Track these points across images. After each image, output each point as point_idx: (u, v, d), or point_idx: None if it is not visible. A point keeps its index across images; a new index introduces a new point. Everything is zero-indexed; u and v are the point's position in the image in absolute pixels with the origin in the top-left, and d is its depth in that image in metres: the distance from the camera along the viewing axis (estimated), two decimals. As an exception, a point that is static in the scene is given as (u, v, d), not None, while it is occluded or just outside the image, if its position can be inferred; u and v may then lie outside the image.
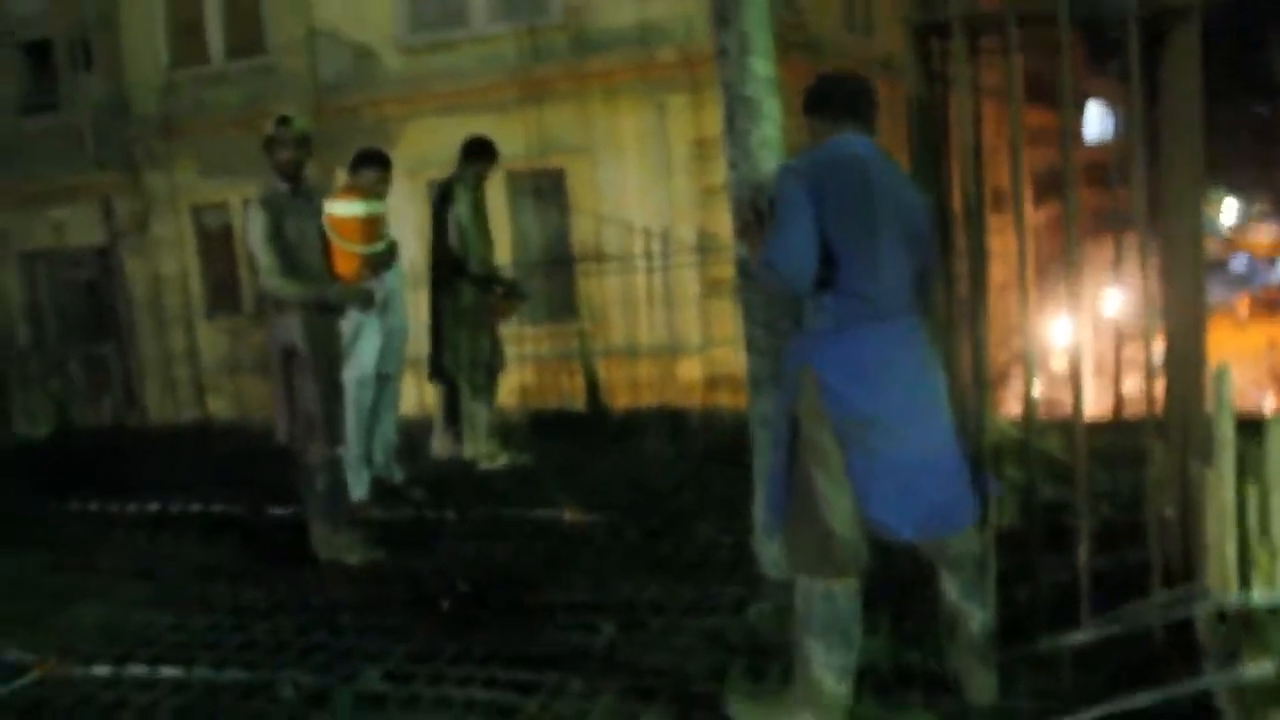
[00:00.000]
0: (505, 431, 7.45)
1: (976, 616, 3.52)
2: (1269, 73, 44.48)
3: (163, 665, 4.38)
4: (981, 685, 3.54)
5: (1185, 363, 4.08)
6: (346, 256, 5.29)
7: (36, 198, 16.70)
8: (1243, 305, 41.09)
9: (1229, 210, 53.21)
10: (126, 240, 15.94)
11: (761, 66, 3.77)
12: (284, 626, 4.71)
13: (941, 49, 4.14)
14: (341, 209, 5.32)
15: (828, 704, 3.39)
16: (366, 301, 5.52)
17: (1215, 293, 24.87)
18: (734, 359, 9.35)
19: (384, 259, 5.54)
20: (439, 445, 7.12)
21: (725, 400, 9.76)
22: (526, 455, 7.24)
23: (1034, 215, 23.81)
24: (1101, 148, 34.39)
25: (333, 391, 5.31)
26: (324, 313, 5.26)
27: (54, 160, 16.53)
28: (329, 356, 5.30)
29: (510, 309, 7.18)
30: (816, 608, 3.36)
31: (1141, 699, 3.35)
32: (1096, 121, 39.10)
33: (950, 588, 3.53)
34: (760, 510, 4.06)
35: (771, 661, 3.93)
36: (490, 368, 7.02)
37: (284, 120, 5.18)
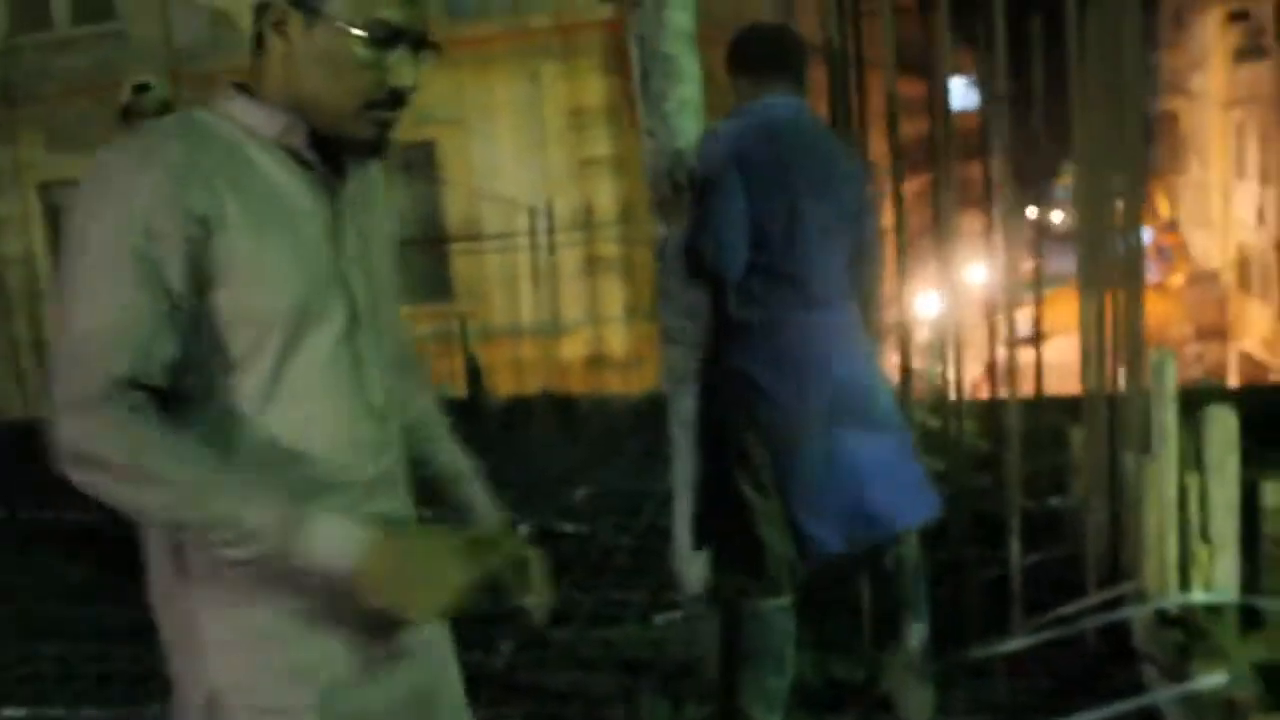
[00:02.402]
0: None
1: (913, 629, 3.25)
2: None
3: (6, 705, 3.90)
4: (918, 702, 3.27)
5: (1120, 342, 3.88)
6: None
7: None
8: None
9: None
10: (-34, 219, 14.95)
11: (681, 19, 3.40)
12: (148, 655, 4.24)
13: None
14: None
15: (758, 733, 3.09)
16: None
17: (1065, 264, 25.39)
18: (616, 338, 9.07)
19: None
20: None
21: (610, 382, 9.46)
22: None
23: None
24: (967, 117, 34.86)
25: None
26: None
27: (-117, 132, 15.42)
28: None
29: None
30: (745, 630, 3.06)
31: (1090, 717, 3.13)
32: (960, 94, 39.68)
33: (884, 598, 3.25)
34: (680, 524, 3.70)
35: (684, 680, 3.63)
36: None
37: (142, 87, 4.67)
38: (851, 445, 3.01)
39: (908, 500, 3.11)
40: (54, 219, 15.16)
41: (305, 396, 1.59)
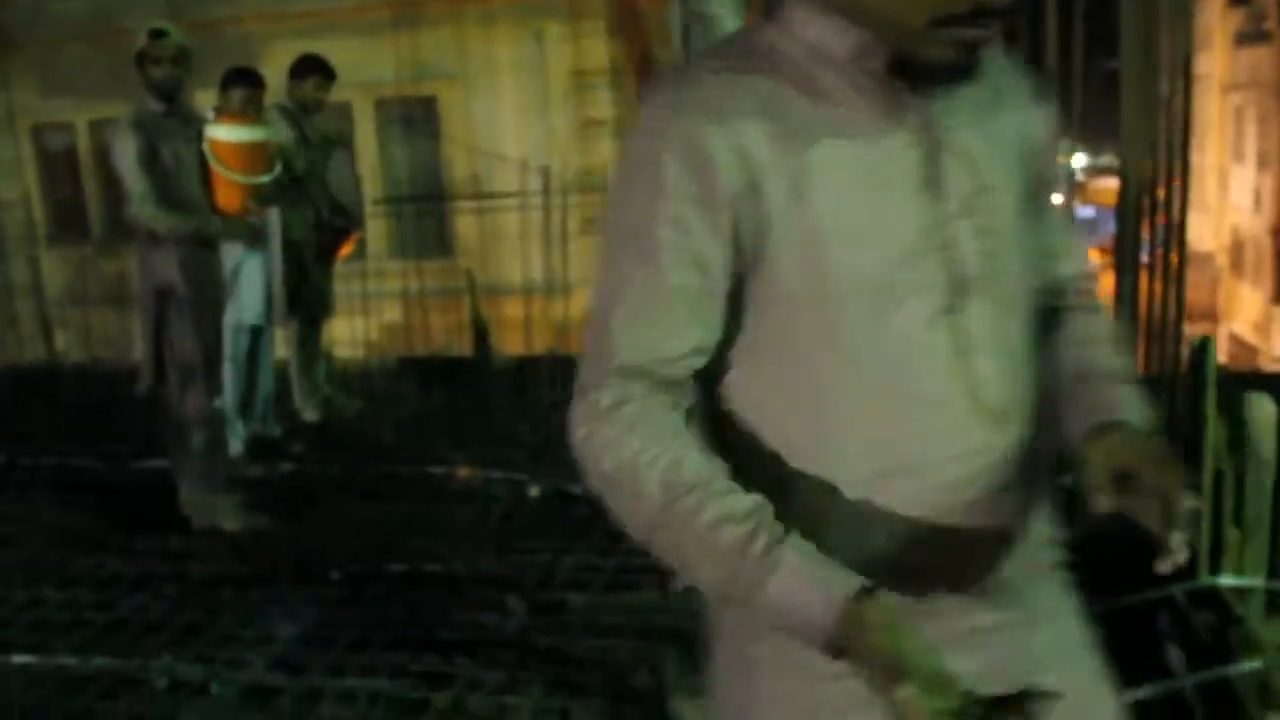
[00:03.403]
0: (340, 381, 6.96)
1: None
2: (1115, 25, 45.63)
3: (15, 651, 3.83)
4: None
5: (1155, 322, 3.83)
6: (230, 187, 4.72)
7: None
8: (1093, 254, 42.25)
9: (1077, 161, 54.65)
10: (-41, 161, 14.73)
11: (724, -22, 3.29)
12: (155, 605, 4.18)
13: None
14: (225, 134, 4.75)
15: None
16: (253, 238, 4.96)
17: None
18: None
19: (271, 192, 4.97)
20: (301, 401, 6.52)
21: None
22: (356, 404, 6.78)
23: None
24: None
25: (214, 337, 4.76)
26: (204, 249, 4.68)
27: (-124, 71, 15.16)
28: (210, 298, 4.73)
29: (344, 245, 6.49)
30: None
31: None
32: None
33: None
34: None
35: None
36: (310, 314, 6.36)
37: (159, 33, 4.57)
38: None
39: None
40: (48, 163, 14.97)
41: (876, 397, 1.22)
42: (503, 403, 6.79)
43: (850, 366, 1.21)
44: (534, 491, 5.17)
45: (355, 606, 4.06)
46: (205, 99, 5.58)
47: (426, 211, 12.70)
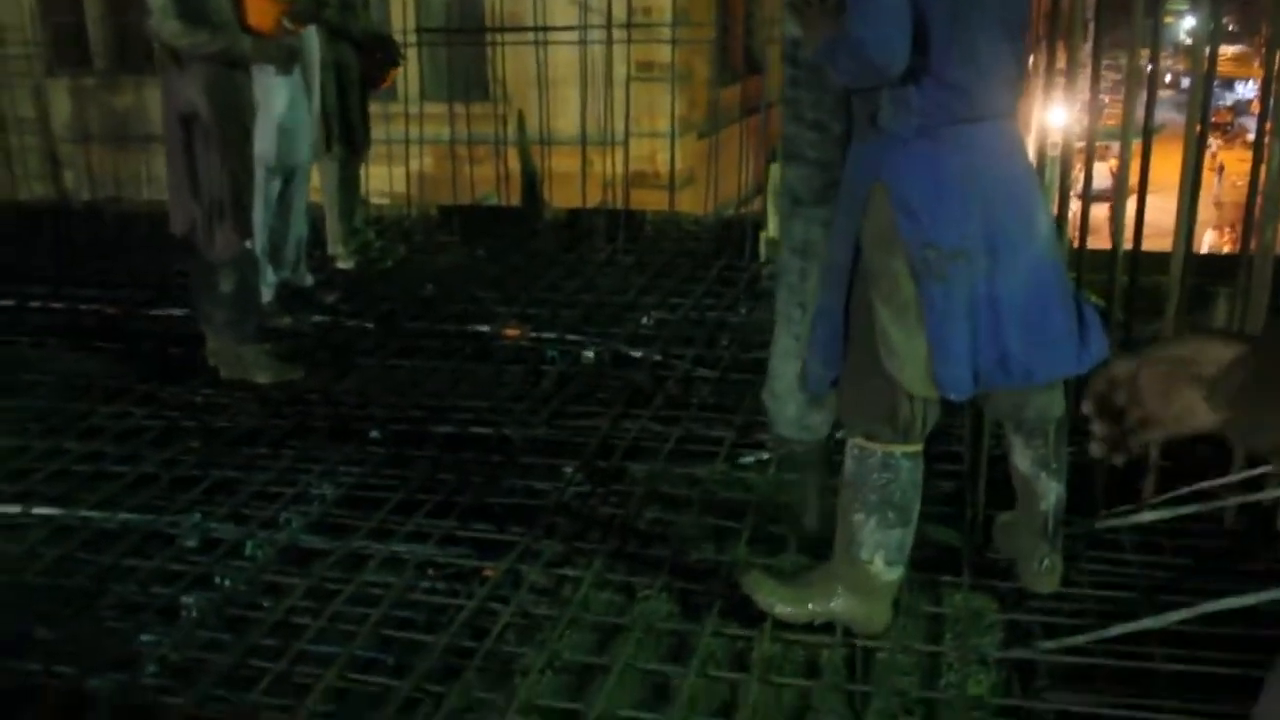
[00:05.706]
0: (376, 227, 6.99)
1: (1050, 493, 3.20)
2: None
3: (36, 503, 3.91)
4: (1045, 570, 3.24)
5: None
6: (262, 2, 4.66)
7: None
8: (1196, 125, 41.32)
9: (1188, 23, 53.13)
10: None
11: None
12: (183, 459, 4.25)
13: None
14: (257, -59, 4.68)
15: (875, 590, 3.07)
16: (286, 61, 4.91)
17: (1166, 114, 24.74)
18: (659, 154, 8.89)
19: (308, 10, 4.91)
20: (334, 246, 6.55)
21: (649, 200, 9.29)
22: (396, 251, 6.88)
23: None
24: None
25: (243, 170, 4.73)
26: (233, 71, 4.63)
27: None
28: (240, 127, 4.69)
29: (383, 74, 6.52)
30: (872, 477, 3.00)
31: (1231, 602, 3.06)
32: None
33: (1022, 458, 3.19)
34: (780, 361, 3.59)
35: (780, 526, 3.61)
36: (349, 145, 6.36)
37: None
38: (999, 279, 2.91)
39: (1051, 349, 3.01)
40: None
41: None
42: (553, 259, 6.78)
43: None
44: (589, 354, 5.19)
45: (399, 468, 4.11)
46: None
47: (461, 47, 12.46)
